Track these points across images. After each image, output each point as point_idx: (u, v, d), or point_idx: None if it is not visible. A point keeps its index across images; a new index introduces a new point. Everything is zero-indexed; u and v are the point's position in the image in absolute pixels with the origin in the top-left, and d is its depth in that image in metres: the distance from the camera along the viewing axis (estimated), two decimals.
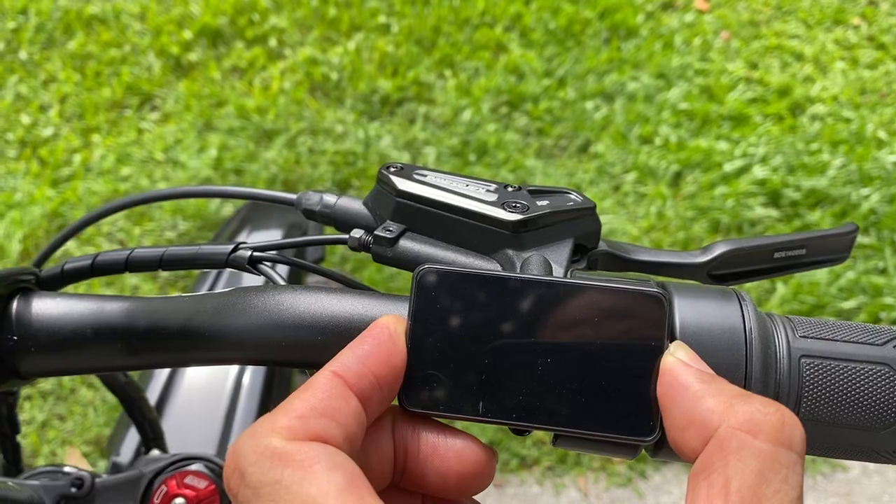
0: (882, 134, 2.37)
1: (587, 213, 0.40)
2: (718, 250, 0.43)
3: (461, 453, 0.31)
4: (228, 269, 0.43)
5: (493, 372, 0.32)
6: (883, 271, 2.05)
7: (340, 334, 0.34)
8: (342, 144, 2.20)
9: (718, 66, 2.53)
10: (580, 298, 0.31)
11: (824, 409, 0.32)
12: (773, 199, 2.18)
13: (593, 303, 0.31)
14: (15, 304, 0.39)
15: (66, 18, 2.50)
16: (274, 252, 0.41)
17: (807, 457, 0.29)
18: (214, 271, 1.07)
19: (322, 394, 0.28)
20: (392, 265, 0.38)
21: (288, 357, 0.35)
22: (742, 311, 0.32)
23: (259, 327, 0.35)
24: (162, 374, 0.92)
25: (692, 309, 0.32)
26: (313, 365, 0.34)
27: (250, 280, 0.96)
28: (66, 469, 0.58)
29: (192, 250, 0.42)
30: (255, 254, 0.41)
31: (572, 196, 0.41)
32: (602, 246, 0.41)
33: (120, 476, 0.56)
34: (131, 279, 1.90)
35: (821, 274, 1.99)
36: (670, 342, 0.31)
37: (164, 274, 1.92)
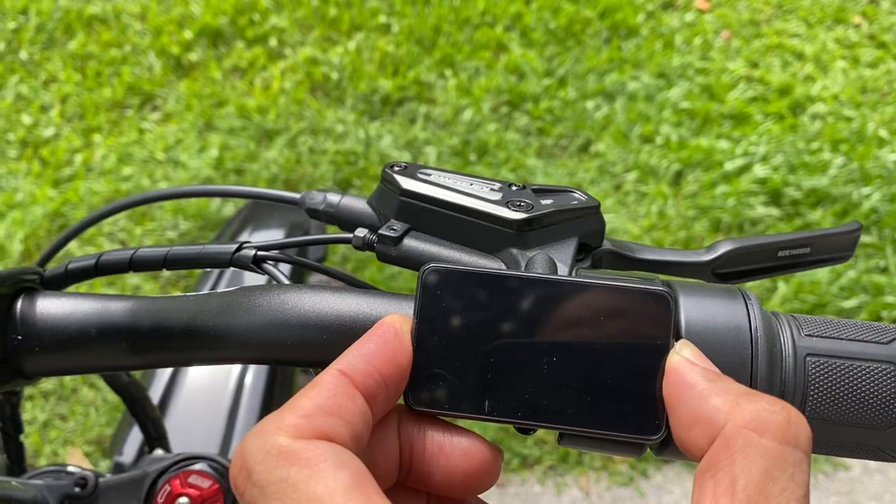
0: (883, 133, 2.37)
1: (591, 212, 0.40)
2: (723, 249, 0.43)
3: (467, 452, 0.31)
4: (231, 269, 0.43)
5: (498, 371, 0.31)
6: (884, 270, 2.05)
7: (345, 333, 0.34)
8: (343, 144, 2.20)
9: (719, 65, 2.53)
10: (585, 297, 0.31)
11: (830, 407, 0.32)
12: (774, 198, 2.18)
13: (598, 302, 0.31)
14: (19, 304, 0.39)
15: (66, 18, 2.50)
16: (278, 251, 0.41)
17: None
18: (216, 271, 1.07)
19: (328, 392, 0.28)
20: (396, 264, 0.38)
21: (293, 356, 0.35)
22: (747, 310, 0.32)
23: (264, 326, 0.35)
24: (164, 373, 0.92)
25: (698, 308, 0.32)
26: (318, 364, 0.34)
27: (253, 279, 0.97)
28: (70, 469, 0.58)
29: (196, 250, 0.42)
30: (260, 253, 0.41)
31: (576, 195, 0.41)
32: (606, 245, 0.41)
33: (123, 476, 0.56)
34: (132, 279, 1.90)
35: (822, 273, 1.99)
36: (676, 341, 0.31)
37: (165, 273, 1.92)
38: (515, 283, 0.32)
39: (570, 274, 0.36)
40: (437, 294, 0.32)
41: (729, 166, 2.21)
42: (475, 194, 0.38)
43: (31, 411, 1.70)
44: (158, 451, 0.66)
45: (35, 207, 2.01)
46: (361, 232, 0.39)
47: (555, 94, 2.39)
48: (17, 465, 0.58)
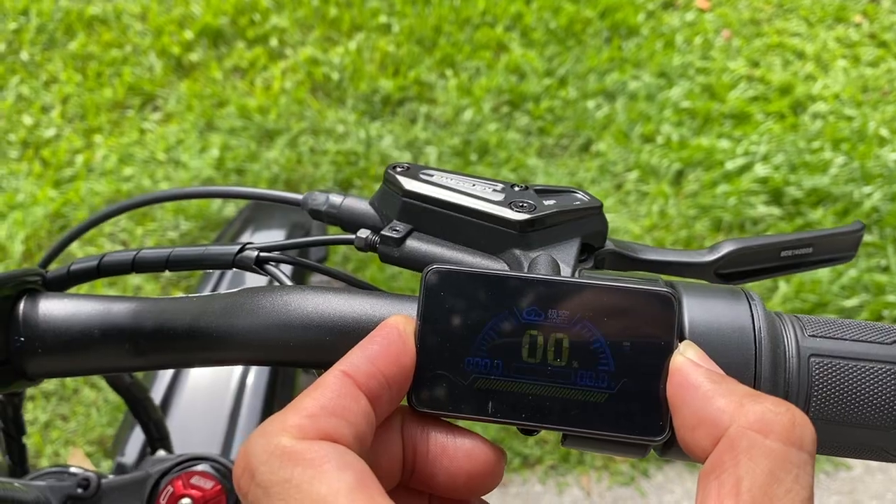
0: (884, 132, 2.37)
1: (594, 213, 0.40)
2: (725, 249, 0.43)
3: (470, 453, 0.31)
4: (233, 270, 0.43)
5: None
6: (885, 269, 2.04)
7: (349, 334, 0.34)
8: (344, 144, 2.20)
9: (720, 64, 2.53)
10: (588, 298, 0.31)
11: (834, 408, 0.32)
12: (775, 197, 2.18)
13: (602, 302, 0.31)
14: (22, 305, 0.39)
15: (67, 19, 2.50)
16: (280, 252, 0.41)
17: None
18: (218, 272, 1.07)
19: (332, 393, 0.28)
20: (399, 265, 0.38)
21: (296, 357, 0.35)
22: (751, 311, 0.32)
23: (267, 327, 0.35)
24: (166, 374, 0.92)
25: (701, 308, 0.32)
26: (321, 365, 0.34)
27: (254, 280, 0.96)
28: (73, 470, 0.58)
29: (199, 251, 0.42)
30: (262, 254, 0.41)
31: (579, 195, 0.41)
32: (609, 245, 0.41)
33: (126, 477, 0.56)
34: (133, 279, 1.90)
35: (823, 272, 1.99)
36: (679, 342, 0.31)
37: (166, 274, 1.92)
38: (518, 284, 0.32)
39: (572, 275, 0.36)
40: (440, 295, 0.32)
41: (730, 166, 2.21)
42: (478, 195, 0.38)
43: (33, 412, 1.71)
44: (161, 452, 0.66)
45: (36, 208, 2.01)
46: (364, 233, 0.39)
47: (555, 93, 2.39)
48: (20, 466, 0.58)
